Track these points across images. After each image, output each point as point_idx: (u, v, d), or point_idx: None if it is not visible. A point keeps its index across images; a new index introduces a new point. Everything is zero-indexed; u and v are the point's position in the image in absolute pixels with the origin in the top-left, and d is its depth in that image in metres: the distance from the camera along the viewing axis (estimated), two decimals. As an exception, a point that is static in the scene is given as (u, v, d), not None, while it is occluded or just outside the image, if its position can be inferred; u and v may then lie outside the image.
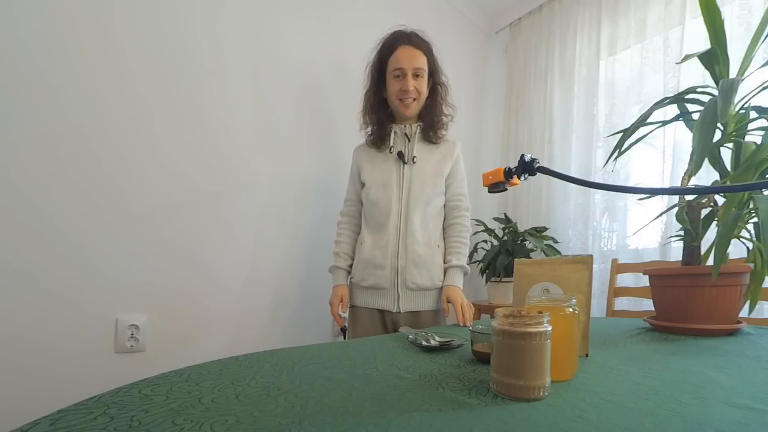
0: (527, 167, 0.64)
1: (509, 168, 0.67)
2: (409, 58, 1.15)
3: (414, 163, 1.19)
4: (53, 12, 1.02)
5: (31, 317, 0.99)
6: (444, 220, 1.24)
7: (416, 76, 1.17)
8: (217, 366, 0.50)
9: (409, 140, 1.21)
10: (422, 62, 1.17)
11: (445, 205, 1.24)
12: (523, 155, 0.65)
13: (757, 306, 0.87)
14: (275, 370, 0.48)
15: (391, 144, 1.21)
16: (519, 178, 0.67)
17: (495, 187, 0.70)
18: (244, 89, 1.39)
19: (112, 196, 1.11)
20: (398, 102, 1.18)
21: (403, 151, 1.20)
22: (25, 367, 0.98)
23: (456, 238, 1.21)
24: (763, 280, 0.73)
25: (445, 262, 1.19)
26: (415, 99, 1.18)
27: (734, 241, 0.71)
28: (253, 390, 0.40)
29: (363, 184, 1.24)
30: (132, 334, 1.12)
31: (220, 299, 1.32)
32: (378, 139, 1.22)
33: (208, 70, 1.30)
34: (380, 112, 1.23)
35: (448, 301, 1.11)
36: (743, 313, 0.79)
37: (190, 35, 1.26)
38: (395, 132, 1.22)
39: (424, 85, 1.19)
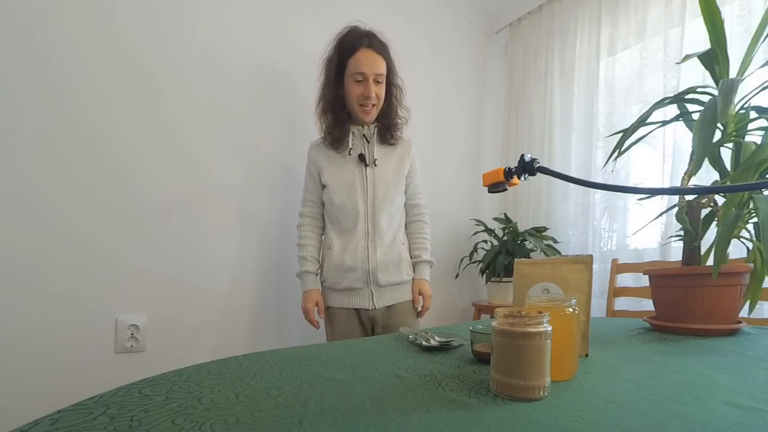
0: (527, 167, 0.64)
1: (509, 168, 0.67)
2: (370, 64, 1.14)
3: (375, 165, 1.20)
4: (55, 11, 1.02)
5: (32, 317, 0.99)
6: (405, 216, 1.29)
7: (377, 82, 1.16)
8: (217, 366, 0.50)
9: (368, 141, 1.21)
10: (383, 68, 1.17)
11: (405, 203, 1.28)
12: (523, 155, 0.65)
13: (757, 306, 0.87)
14: (275, 370, 0.48)
15: (350, 146, 1.20)
16: (519, 178, 0.67)
17: (495, 187, 0.70)
18: (245, 90, 1.39)
19: (111, 196, 1.11)
20: (359, 107, 1.18)
21: (363, 153, 1.20)
22: (26, 367, 0.98)
23: (420, 234, 1.28)
24: (763, 280, 0.73)
25: (413, 257, 1.26)
26: (374, 105, 1.18)
27: (734, 241, 0.71)
28: (253, 390, 0.40)
29: (324, 186, 1.23)
30: (132, 334, 1.12)
31: (221, 299, 1.32)
32: (336, 140, 1.20)
33: (208, 72, 1.30)
34: (340, 112, 1.20)
35: (420, 293, 1.23)
36: (743, 313, 0.79)
37: (190, 35, 1.26)
38: (353, 133, 1.21)
39: (383, 90, 1.20)
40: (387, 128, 1.22)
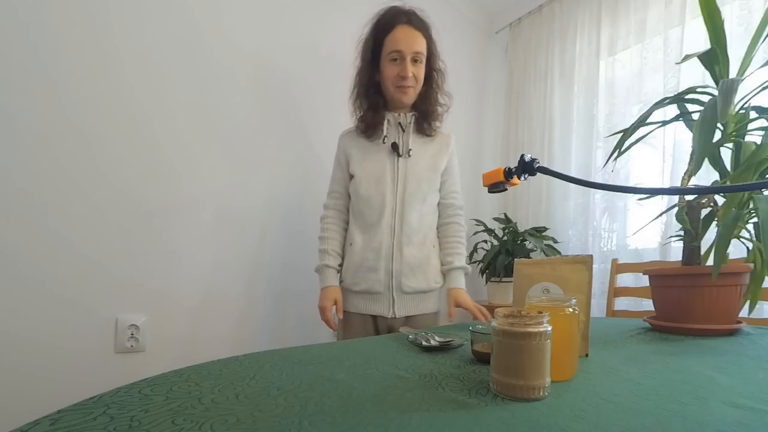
0: (527, 167, 0.64)
1: (509, 168, 0.67)
2: (408, 41, 1.04)
3: (409, 156, 1.10)
4: (52, 12, 1.02)
5: (32, 317, 0.99)
6: (438, 218, 1.17)
7: (415, 61, 1.06)
8: (217, 366, 0.50)
9: (404, 131, 1.12)
10: (422, 46, 1.06)
11: (438, 203, 1.17)
12: (523, 155, 0.65)
13: (757, 306, 0.87)
14: (275, 370, 0.48)
15: (384, 134, 1.10)
16: (519, 178, 0.67)
17: (495, 187, 0.70)
18: (244, 91, 1.39)
19: (111, 196, 1.11)
20: (395, 88, 1.08)
21: (397, 142, 1.10)
22: (26, 366, 0.98)
23: (454, 237, 1.15)
24: (763, 280, 0.73)
25: (444, 263, 1.13)
26: (412, 86, 1.08)
27: (734, 241, 0.71)
28: (253, 390, 0.40)
29: (351, 176, 1.13)
30: (132, 334, 1.12)
31: (220, 299, 1.32)
32: (369, 128, 1.11)
33: (208, 73, 1.30)
34: (375, 97, 1.11)
35: (457, 305, 1.07)
36: (743, 313, 0.79)
37: (188, 36, 1.26)
38: (388, 120, 1.11)
39: (422, 72, 1.09)
40: (425, 116, 1.12)
